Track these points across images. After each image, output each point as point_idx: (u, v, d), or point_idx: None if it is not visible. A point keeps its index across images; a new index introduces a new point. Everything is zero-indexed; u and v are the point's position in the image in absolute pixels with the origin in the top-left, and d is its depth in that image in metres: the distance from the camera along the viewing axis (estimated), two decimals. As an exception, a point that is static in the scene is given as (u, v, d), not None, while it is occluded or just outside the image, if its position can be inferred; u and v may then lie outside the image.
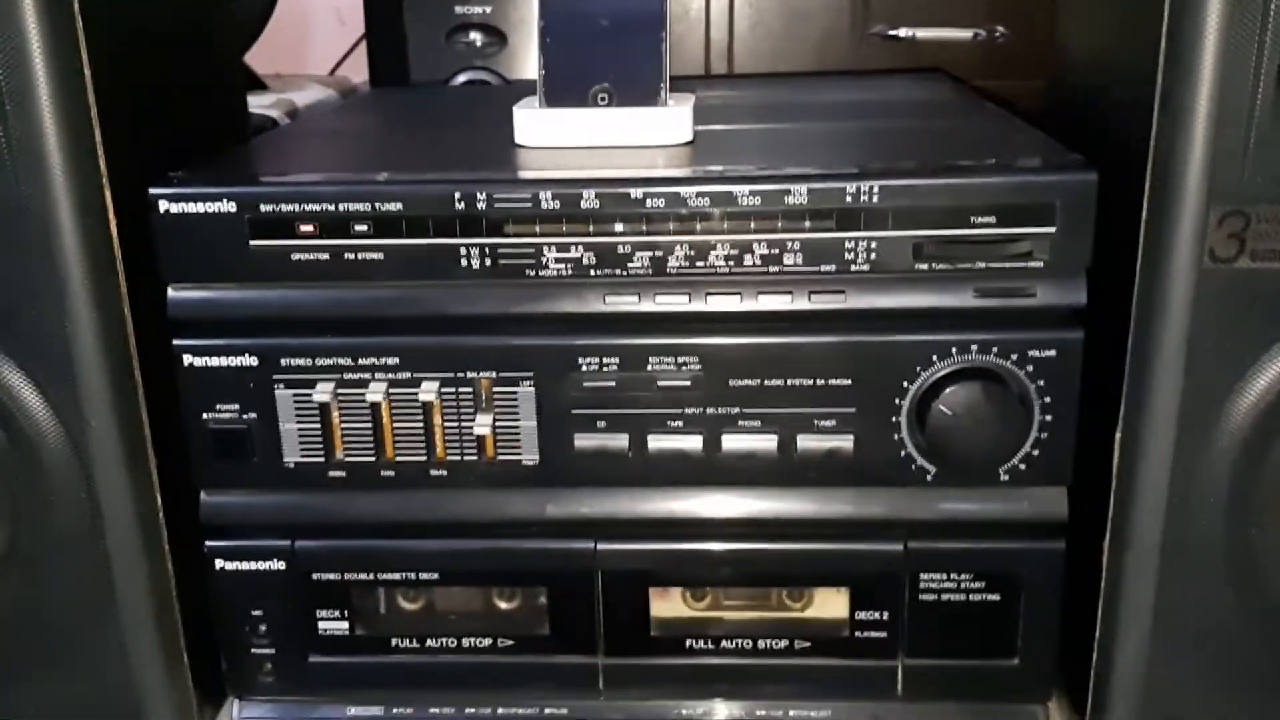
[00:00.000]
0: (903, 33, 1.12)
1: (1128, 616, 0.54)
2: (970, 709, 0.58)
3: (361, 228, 0.52)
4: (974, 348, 0.52)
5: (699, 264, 0.52)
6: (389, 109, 0.83)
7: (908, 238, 0.51)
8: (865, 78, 0.86)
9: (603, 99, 0.58)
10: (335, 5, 1.59)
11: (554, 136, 0.59)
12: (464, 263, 0.52)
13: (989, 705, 0.58)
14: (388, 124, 0.76)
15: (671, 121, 0.59)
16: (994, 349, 0.52)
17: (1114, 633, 0.55)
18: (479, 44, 1.01)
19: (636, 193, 0.51)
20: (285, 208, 0.51)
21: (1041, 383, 0.52)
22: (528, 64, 1.00)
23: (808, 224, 0.51)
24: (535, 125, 0.59)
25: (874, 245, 0.51)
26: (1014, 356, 0.52)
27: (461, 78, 1.00)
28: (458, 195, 0.51)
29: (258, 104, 0.89)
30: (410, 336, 0.53)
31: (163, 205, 0.52)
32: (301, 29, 1.44)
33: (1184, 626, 0.54)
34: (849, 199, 0.50)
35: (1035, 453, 0.53)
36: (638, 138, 0.58)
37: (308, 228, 0.52)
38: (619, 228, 0.52)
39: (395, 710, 0.60)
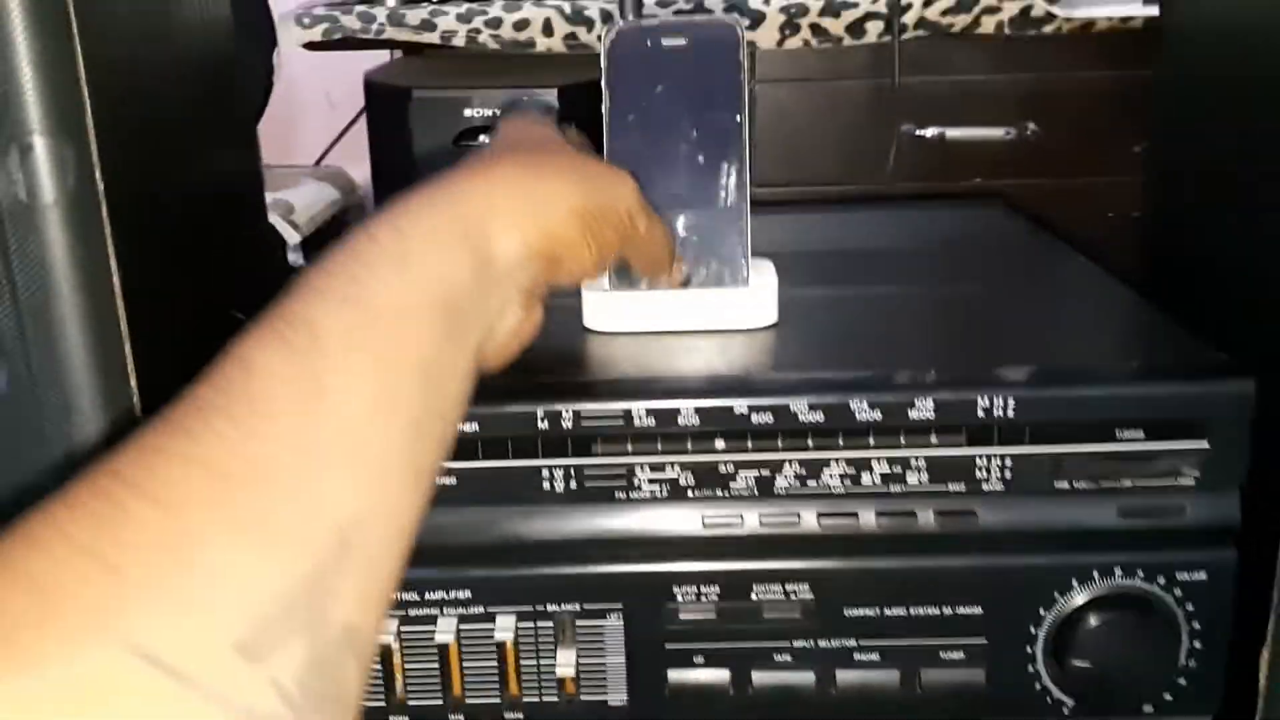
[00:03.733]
0: (930, 133, 1.08)
1: None
2: None
3: (430, 452, 0.45)
4: (1118, 571, 0.47)
5: (810, 483, 0.46)
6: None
7: (1046, 455, 0.46)
8: (919, 206, 0.81)
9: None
10: (324, 87, 1.51)
11: (626, 321, 0.53)
12: (546, 486, 0.46)
13: None
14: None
15: (755, 302, 0.53)
16: (1139, 571, 0.47)
17: None
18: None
19: (740, 407, 0.45)
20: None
21: (1190, 607, 0.47)
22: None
23: (934, 439, 0.46)
24: (605, 309, 0.53)
25: (1008, 462, 0.46)
26: (1161, 579, 0.47)
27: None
28: (541, 414, 0.45)
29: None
30: (484, 568, 0.47)
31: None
32: (284, 110, 1.37)
33: None
34: (981, 414, 0.45)
35: (1182, 682, 0.48)
36: (719, 320, 0.53)
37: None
38: (720, 445, 0.46)
39: None
